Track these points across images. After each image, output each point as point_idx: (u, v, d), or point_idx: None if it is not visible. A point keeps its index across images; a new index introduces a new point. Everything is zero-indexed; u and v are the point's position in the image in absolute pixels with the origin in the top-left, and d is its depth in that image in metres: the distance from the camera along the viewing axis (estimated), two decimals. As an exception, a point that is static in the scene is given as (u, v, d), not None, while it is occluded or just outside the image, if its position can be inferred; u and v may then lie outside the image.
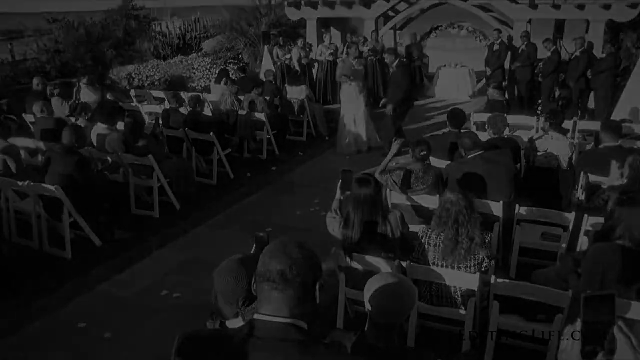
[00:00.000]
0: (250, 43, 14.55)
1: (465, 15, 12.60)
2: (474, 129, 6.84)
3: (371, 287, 2.09)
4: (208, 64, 13.97)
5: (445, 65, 14.21)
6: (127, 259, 5.13)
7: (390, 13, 13.38)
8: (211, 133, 6.94)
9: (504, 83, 10.13)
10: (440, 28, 13.21)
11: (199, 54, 15.66)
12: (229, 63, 14.16)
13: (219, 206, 6.40)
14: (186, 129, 7.10)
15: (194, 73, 13.65)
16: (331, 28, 13.81)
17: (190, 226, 5.86)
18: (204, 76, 13.52)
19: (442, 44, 16.35)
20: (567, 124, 6.24)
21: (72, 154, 5.04)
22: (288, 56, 12.20)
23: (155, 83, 12.74)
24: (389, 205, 4.40)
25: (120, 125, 6.42)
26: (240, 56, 14.75)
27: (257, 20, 14.80)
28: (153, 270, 4.92)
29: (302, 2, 12.81)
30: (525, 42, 10.44)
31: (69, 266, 5.01)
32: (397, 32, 13.99)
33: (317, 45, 12.43)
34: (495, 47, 10.86)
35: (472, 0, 11.87)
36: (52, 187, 4.89)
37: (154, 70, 13.60)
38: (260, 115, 8.20)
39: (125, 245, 5.37)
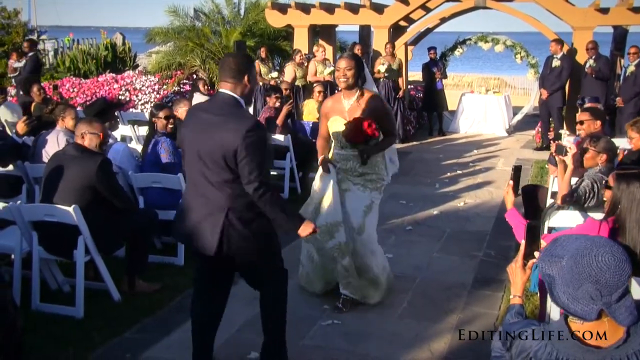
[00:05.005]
0: (212, 57, 14.62)
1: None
2: None
3: None
4: (154, 84, 13.83)
5: (472, 92, 14.95)
6: (173, 319, 4.76)
7: (402, 23, 14.04)
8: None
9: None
10: (468, 42, 13.93)
11: (135, 71, 15.52)
12: (184, 84, 14.11)
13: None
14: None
15: (137, 95, 13.44)
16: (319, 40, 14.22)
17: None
18: (151, 100, 13.33)
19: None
20: None
21: (93, 155, 4.73)
22: (274, 74, 12.32)
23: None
24: None
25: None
26: (195, 75, 14.74)
27: (223, 27, 14.99)
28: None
29: (292, 5, 13.14)
30: (594, 55, 11.17)
31: (84, 330, 4.54)
32: (409, 47, 14.61)
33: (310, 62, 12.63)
34: (555, 62, 11.53)
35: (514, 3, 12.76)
36: (68, 208, 4.51)
37: (75, 90, 13.33)
38: (281, 138, 8.08)
39: (155, 301, 4.99)
